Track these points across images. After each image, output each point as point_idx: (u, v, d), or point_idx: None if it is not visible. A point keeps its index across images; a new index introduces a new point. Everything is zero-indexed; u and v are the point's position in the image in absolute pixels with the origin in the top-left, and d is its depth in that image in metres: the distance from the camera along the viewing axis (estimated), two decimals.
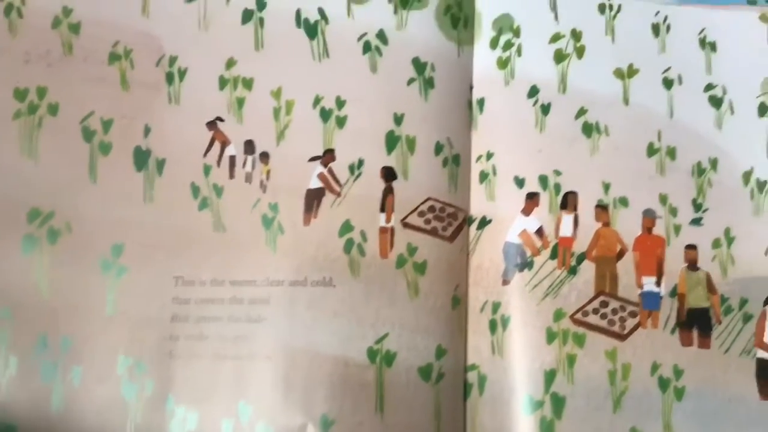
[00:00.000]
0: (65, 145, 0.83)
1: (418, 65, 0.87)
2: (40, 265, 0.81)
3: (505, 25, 0.89)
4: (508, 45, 0.88)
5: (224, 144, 0.85)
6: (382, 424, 0.80)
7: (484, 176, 0.87)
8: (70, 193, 0.82)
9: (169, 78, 0.85)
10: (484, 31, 0.90)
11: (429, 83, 0.86)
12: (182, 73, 0.86)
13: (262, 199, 0.84)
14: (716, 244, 0.86)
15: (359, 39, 0.87)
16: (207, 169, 0.84)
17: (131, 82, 0.86)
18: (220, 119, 0.85)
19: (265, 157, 0.85)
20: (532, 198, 0.86)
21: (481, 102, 0.88)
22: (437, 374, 0.83)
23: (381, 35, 0.87)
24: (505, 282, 0.85)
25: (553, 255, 0.85)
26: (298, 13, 0.87)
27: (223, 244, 0.81)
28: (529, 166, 0.87)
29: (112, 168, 0.84)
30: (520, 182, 0.87)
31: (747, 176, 0.87)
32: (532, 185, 0.87)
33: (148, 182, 0.84)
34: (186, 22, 0.87)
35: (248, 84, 0.86)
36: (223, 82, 0.86)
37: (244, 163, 0.85)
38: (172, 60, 0.86)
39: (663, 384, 0.84)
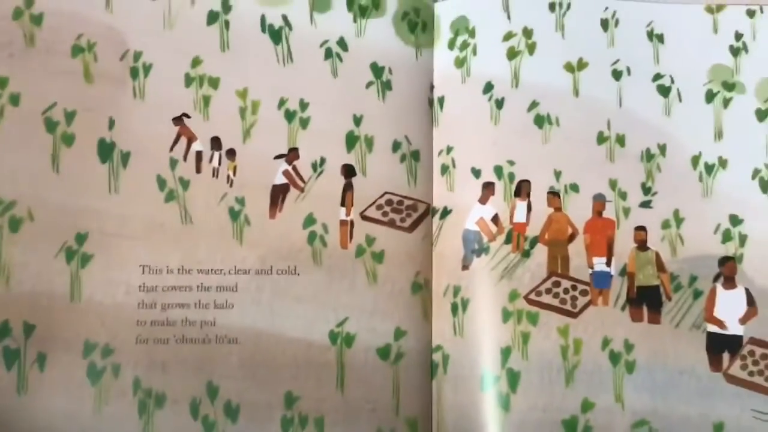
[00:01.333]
0: (27, 136, 0.87)
1: (376, 69, 0.92)
2: (2, 252, 0.85)
3: (461, 26, 0.93)
4: (464, 45, 0.92)
5: (190, 140, 0.89)
6: (342, 400, 0.84)
7: (444, 169, 0.91)
8: (32, 183, 0.86)
9: (134, 73, 0.90)
10: (442, 34, 0.94)
11: (387, 86, 0.91)
12: (147, 69, 0.90)
13: (229, 193, 0.89)
14: (666, 225, 0.89)
15: (321, 45, 0.92)
16: (173, 163, 0.89)
17: (95, 75, 0.90)
18: (186, 115, 0.90)
19: (231, 153, 0.90)
20: (488, 187, 0.90)
21: (441, 100, 0.92)
22: (396, 354, 0.86)
23: (341, 42, 0.92)
24: (465, 267, 0.88)
25: (508, 240, 0.89)
26: (262, 19, 0.92)
27: (190, 234, 0.85)
28: (485, 158, 0.91)
29: (75, 159, 0.88)
30: (477, 173, 0.90)
31: (695, 160, 0.90)
32: (488, 175, 0.90)
33: (113, 174, 0.88)
34: (150, 19, 0.91)
35: (214, 83, 0.91)
36: (189, 80, 0.91)
37: (211, 159, 0.89)
38: (137, 55, 0.90)
39: (614, 358, 0.86)
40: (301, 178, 0.90)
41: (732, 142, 0.91)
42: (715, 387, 0.85)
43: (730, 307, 0.87)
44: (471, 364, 0.86)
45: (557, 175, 0.90)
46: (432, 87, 0.93)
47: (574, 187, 0.89)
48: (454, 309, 0.88)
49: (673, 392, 0.85)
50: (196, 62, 0.91)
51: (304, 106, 0.91)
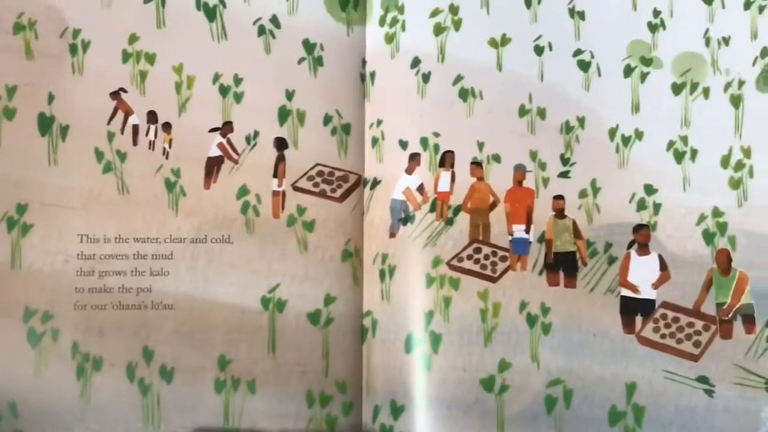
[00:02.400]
0: None
1: (308, 46, 0.95)
2: None
3: (391, 3, 0.95)
4: (394, 22, 0.95)
5: (127, 113, 0.92)
6: (274, 362, 0.88)
7: (374, 141, 0.94)
8: None
9: (73, 49, 0.92)
10: (374, 11, 0.96)
11: (318, 62, 0.94)
12: (86, 46, 0.92)
13: (165, 165, 0.92)
14: (583, 194, 0.92)
15: (254, 23, 0.95)
16: (111, 136, 0.92)
17: (35, 52, 0.92)
18: (124, 90, 0.93)
19: (167, 127, 0.92)
20: (414, 158, 0.93)
21: (372, 75, 0.95)
22: (326, 319, 0.90)
23: (274, 20, 0.95)
24: (392, 235, 0.92)
25: (432, 208, 0.92)
26: None
27: (127, 205, 0.88)
28: (411, 130, 0.94)
29: (16, 132, 0.91)
30: (404, 144, 0.93)
31: (613, 132, 0.93)
32: (415, 146, 0.93)
33: (52, 146, 0.90)
34: None
35: (150, 59, 0.93)
36: (126, 56, 0.93)
37: (147, 132, 0.92)
38: (76, 32, 0.93)
39: (531, 320, 0.90)
40: (235, 151, 0.92)
41: (648, 115, 0.93)
42: (628, 348, 0.88)
43: (643, 272, 0.90)
44: (397, 327, 0.89)
45: (480, 146, 0.93)
46: (364, 62, 0.94)
47: (496, 158, 0.92)
48: (382, 275, 0.91)
49: (587, 353, 0.88)
50: (133, 39, 0.93)
51: (238, 81, 0.93)
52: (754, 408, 0.83)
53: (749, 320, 0.85)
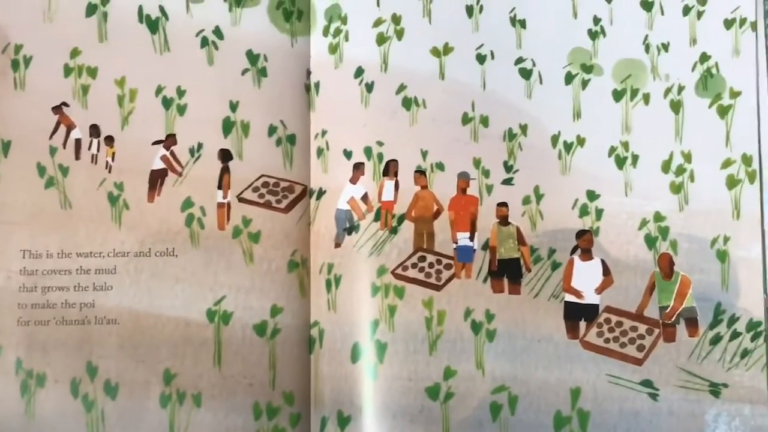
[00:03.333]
0: None
1: (252, 57, 0.94)
2: None
3: (334, 14, 0.94)
4: (337, 32, 0.94)
5: (70, 128, 0.91)
6: (220, 375, 0.87)
7: (320, 152, 0.93)
8: None
9: (15, 65, 0.91)
10: (318, 21, 0.95)
11: (262, 72, 0.93)
12: (27, 61, 0.91)
13: (108, 178, 0.90)
14: (526, 200, 0.91)
15: (197, 34, 0.93)
16: (53, 151, 0.90)
17: None
18: (66, 104, 0.91)
19: (110, 140, 0.91)
20: (358, 168, 0.92)
21: (317, 85, 0.94)
22: (272, 330, 0.89)
23: (217, 31, 0.94)
24: (337, 245, 0.91)
25: (377, 217, 0.91)
26: (140, 10, 0.93)
27: (70, 219, 0.87)
28: (355, 140, 0.93)
29: None
30: (348, 154, 0.92)
31: (555, 139, 0.92)
32: (359, 156, 0.92)
33: None
34: (31, 13, 0.92)
35: (92, 72, 0.92)
36: (67, 70, 0.92)
37: (90, 146, 0.91)
38: (18, 48, 0.92)
39: (475, 327, 0.89)
40: (179, 163, 0.91)
41: (589, 122, 0.92)
42: (572, 353, 0.88)
43: (586, 277, 0.89)
44: (343, 337, 0.88)
45: (424, 154, 0.92)
46: (308, 73, 0.93)
47: (440, 166, 0.92)
48: (328, 285, 0.90)
49: (531, 359, 0.87)
50: (75, 53, 0.92)
51: (181, 93, 0.92)
52: (698, 411, 0.83)
53: (692, 323, 0.85)
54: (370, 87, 0.92)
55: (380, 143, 0.91)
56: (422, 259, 0.88)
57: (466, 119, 0.92)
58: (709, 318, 0.85)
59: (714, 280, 0.86)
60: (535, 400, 0.85)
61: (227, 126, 0.91)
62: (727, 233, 0.87)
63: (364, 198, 0.90)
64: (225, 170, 0.90)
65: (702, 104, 0.90)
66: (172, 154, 0.90)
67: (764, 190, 0.85)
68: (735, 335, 0.83)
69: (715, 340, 0.84)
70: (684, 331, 0.85)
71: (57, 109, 0.91)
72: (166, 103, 0.91)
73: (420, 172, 0.90)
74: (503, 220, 0.89)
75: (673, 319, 0.84)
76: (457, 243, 0.90)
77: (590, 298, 0.88)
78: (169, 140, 0.90)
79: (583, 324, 0.88)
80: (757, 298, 0.83)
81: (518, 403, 0.87)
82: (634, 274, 0.87)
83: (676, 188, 0.87)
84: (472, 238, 0.89)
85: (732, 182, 0.87)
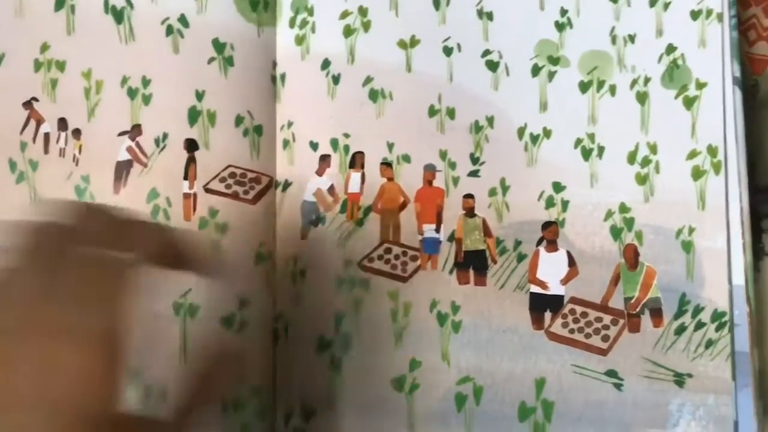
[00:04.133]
0: None
1: (218, 45, 0.92)
2: None
3: (300, 5, 0.94)
4: (303, 23, 0.93)
5: (39, 122, 0.90)
6: (187, 369, 0.86)
7: (286, 143, 0.92)
8: None
9: None
10: (284, 12, 0.94)
11: (229, 61, 0.92)
12: (0, 59, 0.90)
13: (75, 171, 0.89)
14: (492, 192, 0.90)
15: (162, 22, 0.92)
16: (23, 146, 0.89)
17: None
18: (36, 99, 0.90)
19: (77, 133, 0.90)
20: (324, 160, 0.91)
21: (283, 76, 0.93)
22: (239, 323, 0.87)
23: (182, 19, 0.92)
24: (303, 237, 0.90)
25: (343, 209, 0.91)
26: (106, 1, 0.92)
27: (39, 214, 0.86)
28: (322, 131, 0.92)
29: None
30: (314, 146, 0.92)
31: (521, 131, 0.91)
32: (325, 148, 0.92)
33: None
34: (2, 9, 0.91)
35: (61, 66, 0.91)
36: (37, 65, 0.91)
37: (58, 139, 0.90)
38: None
39: (441, 319, 0.88)
40: (144, 154, 0.90)
41: (556, 113, 0.92)
42: (537, 344, 0.87)
43: (552, 268, 0.89)
44: (309, 330, 0.87)
45: (390, 146, 0.91)
46: (275, 64, 0.92)
47: (406, 158, 0.91)
48: (294, 277, 0.89)
49: (496, 350, 0.87)
50: (44, 47, 0.91)
51: (146, 82, 0.91)
52: (663, 401, 0.83)
53: (657, 314, 0.85)
54: (336, 79, 0.92)
55: (347, 135, 0.90)
56: (388, 251, 0.87)
57: (432, 111, 0.91)
58: (674, 308, 0.85)
59: (679, 270, 0.86)
60: (500, 391, 0.85)
61: (193, 115, 0.90)
62: (693, 224, 0.87)
63: (331, 190, 0.90)
64: (191, 160, 0.89)
65: (668, 96, 0.90)
66: (138, 144, 0.89)
67: (729, 181, 0.83)
68: (700, 325, 0.83)
69: (680, 330, 0.84)
70: (649, 321, 0.86)
71: (27, 104, 0.90)
72: (132, 93, 0.90)
73: (386, 164, 0.90)
74: (469, 212, 0.89)
75: (637, 310, 0.84)
76: (423, 235, 0.89)
77: (555, 289, 0.88)
78: (135, 131, 0.89)
79: (548, 315, 0.87)
80: (722, 289, 0.83)
81: (483, 394, 0.86)
82: (599, 265, 0.87)
83: (642, 179, 0.87)
84: (438, 230, 0.89)
85: (697, 173, 0.86)
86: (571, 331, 0.86)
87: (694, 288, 0.86)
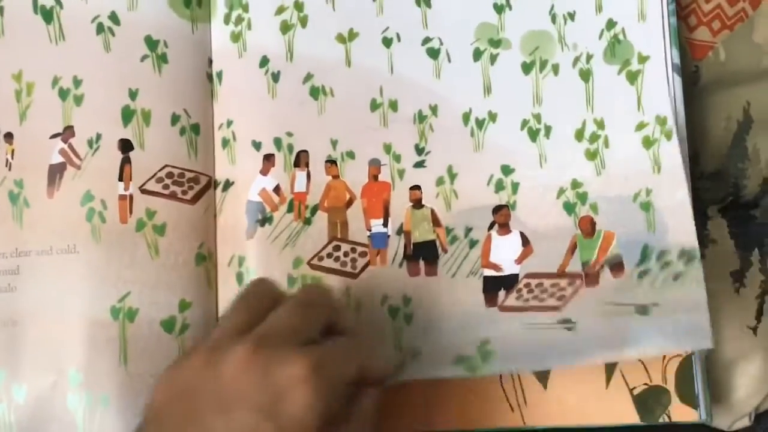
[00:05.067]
0: None
1: (151, 43, 0.89)
2: None
3: (235, 1, 0.90)
4: (239, 20, 0.90)
5: None
6: (126, 374, 0.81)
7: (225, 142, 0.89)
8: None
9: None
10: (218, 9, 0.91)
11: (162, 59, 0.88)
12: None
13: (8, 176, 0.85)
14: (440, 181, 0.87)
15: (92, 21, 0.88)
16: None
17: None
18: None
19: (9, 137, 0.86)
20: (268, 159, 0.88)
21: (219, 74, 0.90)
22: (181, 326, 0.84)
23: (113, 16, 0.88)
24: (250, 237, 0.86)
25: (290, 209, 0.87)
26: (35, 1, 0.88)
27: None
28: (264, 130, 0.89)
29: None
30: (257, 145, 0.88)
31: (466, 117, 0.89)
32: (268, 147, 0.88)
33: None
34: None
35: None
36: None
37: None
38: None
39: (392, 312, 0.85)
40: (78, 156, 0.85)
41: (500, 96, 0.90)
42: (490, 318, 0.85)
43: (505, 251, 0.87)
44: None
45: (334, 144, 0.89)
46: (210, 61, 0.89)
47: (350, 155, 0.88)
48: (240, 278, 0.86)
49: (444, 325, 0.86)
50: None
51: (77, 83, 0.87)
52: (623, 327, 0.82)
53: (617, 267, 0.84)
54: (276, 77, 0.89)
55: (290, 134, 0.88)
56: (337, 248, 0.85)
57: (374, 105, 0.89)
58: (636, 258, 0.84)
59: (640, 228, 0.85)
60: (440, 352, 0.84)
61: (127, 115, 0.86)
62: (649, 186, 0.85)
63: (277, 189, 0.87)
64: (126, 161, 0.85)
65: (611, 71, 0.89)
66: (71, 146, 0.84)
67: (682, 145, 0.87)
68: (666, 265, 0.82)
69: (643, 274, 0.82)
70: (608, 274, 0.84)
71: None
72: (63, 94, 0.86)
73: (331, 162, 0.88)
74: (417, 204, 0.86)
75: (597, 269, 0.82)
76: (371, 230, 0.87)
77: (510, 269, 0.86)
78: (67, 133, 0.85)
79: (502, 293, 0.85)
80: (688, 230, 0.83)
81: (420, 357, 0.85)
82: (555, 239, 0.86)
83: (592, 155, 0.85)
84: (386, 224, 0.86)
85: (648, 142, 0.86)
86: (526, 300, 0.85)
87: (656, 238, 0.86)
